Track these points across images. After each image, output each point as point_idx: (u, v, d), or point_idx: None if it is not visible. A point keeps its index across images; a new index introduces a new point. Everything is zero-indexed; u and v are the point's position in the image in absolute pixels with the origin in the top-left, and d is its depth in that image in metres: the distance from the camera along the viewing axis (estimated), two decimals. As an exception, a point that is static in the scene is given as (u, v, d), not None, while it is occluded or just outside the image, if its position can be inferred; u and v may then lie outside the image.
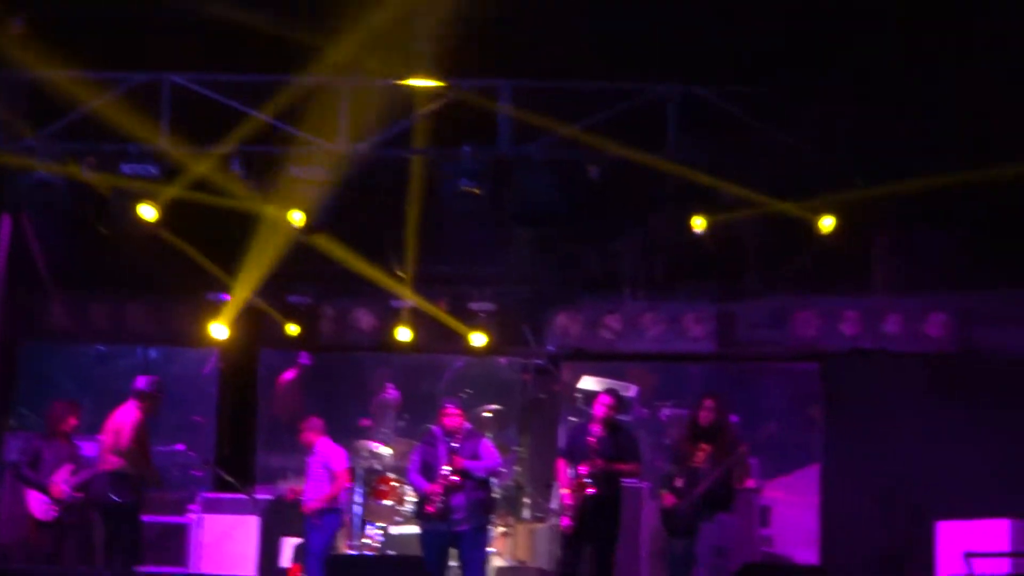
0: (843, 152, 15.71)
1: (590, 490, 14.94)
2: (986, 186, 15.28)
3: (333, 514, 15.99)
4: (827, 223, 15.88)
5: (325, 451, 16.05)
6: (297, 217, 16.07)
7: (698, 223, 16.09)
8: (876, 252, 18.03)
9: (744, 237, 17.65)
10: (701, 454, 15.12)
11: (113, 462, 15.02)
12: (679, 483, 15.22)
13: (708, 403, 15.35)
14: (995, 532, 15.35)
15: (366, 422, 19.86)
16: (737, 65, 15.62)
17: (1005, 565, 14.77)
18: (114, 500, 15.02)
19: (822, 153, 15.76)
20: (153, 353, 20.07)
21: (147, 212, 15.93)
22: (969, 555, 13.96)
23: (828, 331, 18.78)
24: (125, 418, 15.06)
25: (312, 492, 15.94)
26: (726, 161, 15.89)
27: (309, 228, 16.20)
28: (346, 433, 19.22)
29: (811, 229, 16.17)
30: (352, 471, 17.47)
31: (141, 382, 15.32)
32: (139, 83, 15.88)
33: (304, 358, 20.90)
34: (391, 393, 20.00)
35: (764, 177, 16.33)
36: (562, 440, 17.74)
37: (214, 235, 17.78)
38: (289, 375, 21.00)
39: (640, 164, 16.19)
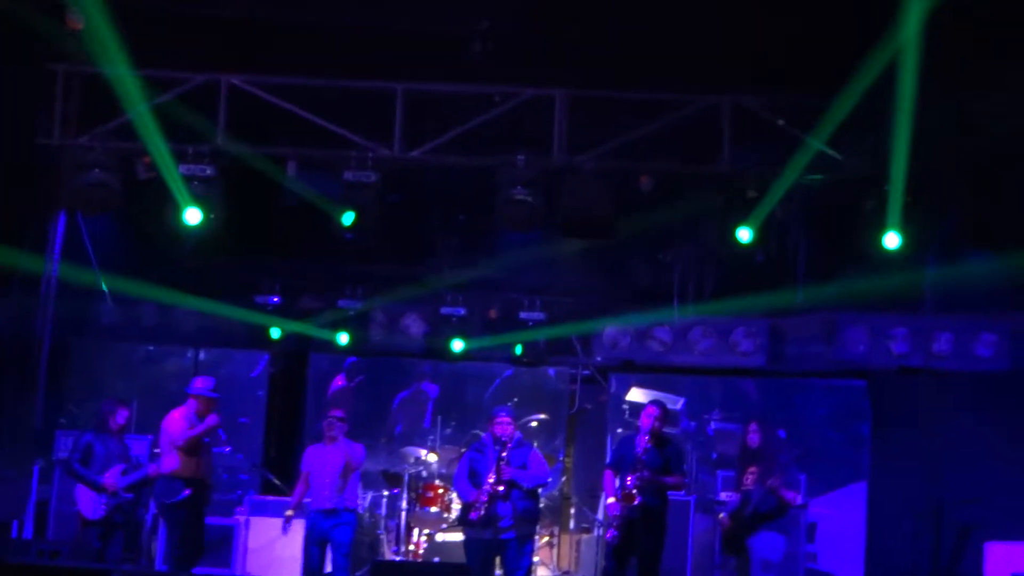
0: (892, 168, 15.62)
1: (636, 501, 14.91)
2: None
3: (350, 513, 15.68)
4: (892, 240, 15.75)
5: (346, 449, 15.69)
6: (348, 221, 16.05)
7: (743, 233, 15.99)
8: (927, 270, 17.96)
9: (794, 250, 17.59)
10: (750, 476, 15.19)
11: (167, 464, 15.00)
12: (733, 504, 15.31)
13: (754, 426, 15.55)
14: (1045, 554, 15.31)
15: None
16: (790, 76, 15.57)
17: (1054, 587, 14.70)
18: (165, 503, 15.03)
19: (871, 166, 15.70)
20: (203, 354, 20.10)
21: (200, 213, 15.94)
22: (1018, 577, 13.90)
23: (877, 348, 18.73)
24: (179, 420, 15.05)
25: (328, 492, 15.47)
26: (778, 174, 15.84)
27: (361, 232, 16.19)
28: (391, 438, 19.28)
29: (861, 243, 16.12)
30: (399, 477, 17.48)
31: (197, 383, 15.29)
32: (197, 84, 15.96)
33: (351, 360, 20.92)
34: (429, 388, 19.91)
35: (815, 188, 16.33)
36: (609, 451, 17.73)
37: (267, 237, 17.85)
38: (340, 382, 21.03)
39: (692, 175, 16.19)
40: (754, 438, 15.45)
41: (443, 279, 18.92)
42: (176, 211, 15.98)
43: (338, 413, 15.71)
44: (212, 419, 15.01)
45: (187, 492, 14.80)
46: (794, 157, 15.69)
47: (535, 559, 16.93)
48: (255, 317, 18.96)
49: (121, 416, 15.75)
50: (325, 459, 15.47)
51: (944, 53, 14.69)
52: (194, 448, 14.88)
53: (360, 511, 16.19)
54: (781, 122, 15.61)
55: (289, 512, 15.60)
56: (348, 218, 16.06)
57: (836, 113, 15.29)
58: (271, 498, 17.76)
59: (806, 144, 15.59)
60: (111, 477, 15.50)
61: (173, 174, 15.81)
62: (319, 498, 15.42)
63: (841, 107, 15.30)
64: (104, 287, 18.07)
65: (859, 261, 16.77)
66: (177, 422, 14.96)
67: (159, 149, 15.70)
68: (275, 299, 18.97)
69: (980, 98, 15.29)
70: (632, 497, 14.92)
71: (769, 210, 15.97)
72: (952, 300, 17.79)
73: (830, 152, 15.65)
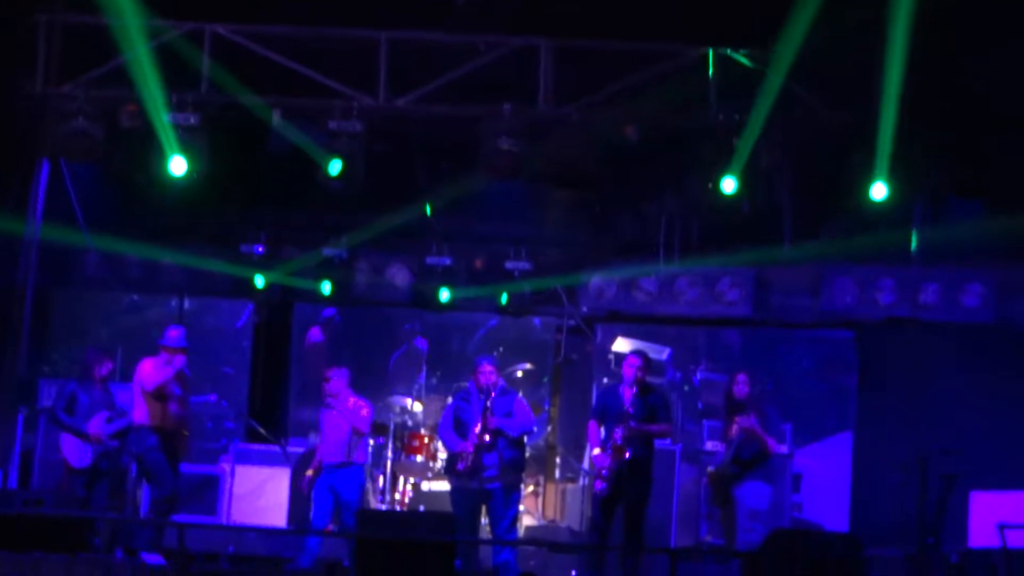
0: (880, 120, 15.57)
1: (627, 455, 14.90)
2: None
3: (359, 467, 15.80)
4: (879, 192, 15.72)
5: (350, 405, 15.79)
6: (336, 171, 15.97)
7: (728, 183, 15.92)
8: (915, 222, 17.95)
9: (781, 202, 17.55)
10: (735, 427, 15.20)
11: (137, 414, 15.04)
12: (720, 455, 15.33)
13: (741, 378, 15.63)
14: (1029, 504, 15.32)
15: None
16: (778, 28, 15.49)
17: (1039, 536, 14.69)
18: (134, 452, 15.09)
19: (859, 118, 15.66)
20: (187, 303, 20.05)
21: (185, 162, 15.86)
22: (1003, 527, 13.85)
23: (864, 299, 18.71)
24: (150, 368, 15.05)
25: (336, 448, 15.75)
26: (765, 125, 15.78)
27: (347, 182, 16.12)
28: (376, 388, 19.26)
29: (850, 195, 16.08)
30: (384, 426, 17.47)
31: (170, 334, 15.28)
32: (181, 33, 15.86)
33: (329, 312, 20.88)
34: (420, 345, 19.88)
35: (802, 141, 16.29)
36: (594, 401, 17.73)
37: (251, 186, 17.78)
38: (315, 336, 20.99)
39: (678, 127, 16.14)
40: (741, 389, 15.49)
41: (428, 229, 18.86)
42: (161, 161, 15.89)
43: (330, 375, 15.84)
44: (178, 361, 15.01)
45: (152, 440, 14.83)
46: (780, 108, 15.65)
47: (520, 508, 16.94)
48: (238, 269, 18.90)
49: (105, 367, 15.75)
50: (332, 420, 15.71)
51: (934, 5, 14.68)
52: (162, 395, 14.91)
53: (366, 464, 16.27)
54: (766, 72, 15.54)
55: (309, 472, 15.74)
56: (335, 167, 15.98)
57: (824, 65, 15.26)
58: (256, 446, 17.76)
59: (792, 95, 15.54)
60: (96, 425, 15.51)
61: (162, 122, 15.73)
62: (328, 454, 15.67)
63: (830, 59, 15.27)
64: (88, 236, 17.98)
65: (846, 212, 16.73)
66: (147, 370, 14.97)
67: (151, 95, 15.61)
68: (260, 248, 18.89)
69: (969, 51, 15.25)
70: (622, 451, 14.92)
71: (754, 161, 15.91)
72: (939, 251, 17.76)
73: (817, 103, 15.60)
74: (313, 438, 17.45)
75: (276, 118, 16.03)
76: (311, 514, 15.63)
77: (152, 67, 15.53)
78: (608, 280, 19.21)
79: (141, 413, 15.01)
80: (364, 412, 15.71)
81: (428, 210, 18.00)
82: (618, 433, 14.95)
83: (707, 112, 15.80)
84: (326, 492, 15.52)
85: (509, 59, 15.96)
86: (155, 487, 15.18)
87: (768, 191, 16.74)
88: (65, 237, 17.67)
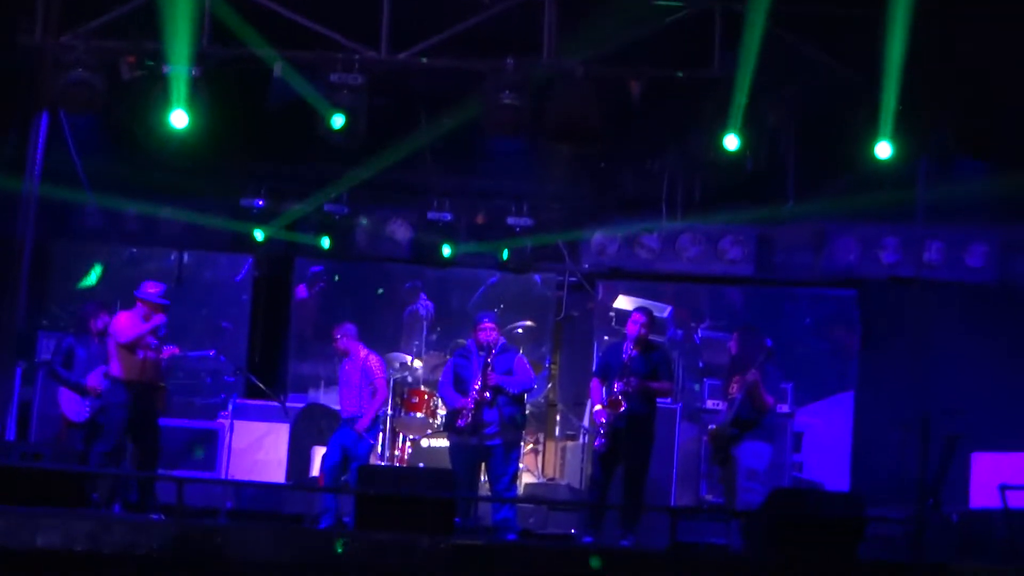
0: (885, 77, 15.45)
1: (623, 408, 14.84)
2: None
3: (377, 426, 15.94)
4: (884, 150, 15.62)
5: (364, 360, 15.86)
6: (339, 124, 15.84)
7: (730, 140, 15.81)
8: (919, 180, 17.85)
9: (785, 159, 17.45)
10: (735, 385, 15.14)
11: (112, 368, 14.98)
12: (723, 415, 15.28)
13: (737, 336, 15.65)
14: (1031, 465, 15.29)
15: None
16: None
17: (1040, 498, 14.66)
18: (107, 404, 15.04)
19: (864, 76, 15.55)
20: (186, 257, 19.96)
21: (187, 116, 15.73)
22: (1004, 487, 13.82)
23: (867, 257, 18.67)
24: (125, 322, 14.97)
25: (349, 402, 15.79)
26: (769, 81, 15.67)
27: (348, 136, 15.99)
28: (377, 344, 19.16)
29: (854, 153, 15.98)
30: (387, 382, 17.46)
31: (148, 288, 15.19)
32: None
33: (315, 269, 20.81)
34: (425, 304, 19.81)
35: (806, 98, 16.19)
36: (595, 359, 17.67)
37: (251, 139, 17.67)
38: (301, 294, 20.90)
39: (682, 82, 16.02)
40: (735, 347, 15.45)
41: (429, 184, 18.77)
42: (162, 113, 15.77)
43: (337, 334, 16.03)
44: (157, 319, 14.97)
45: (122, 396, 14.77)
46: (784, 64, 15.55)
47: (520, 466, 16.91)
48: (238, 224, 18.84)
49: (102, 321, 15.68)
50: (344, 375, 15.94)
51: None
52: (136, 348, 14.81)
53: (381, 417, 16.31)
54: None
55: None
56: (338, 121, 15.84)
57: (829, 20, 15.14)
58: (255, 402, 17.73)
59: (797, 51, 15.43)
60: (94, 379, 15.46)
61: (176, 74, 15.61)
62: (343, 408, 15.91)
63: (834, 13, 15.16)
64: (87, 189, 17.87)
65: (850, 170, 16.63)
66: (123, 323, 14.89)
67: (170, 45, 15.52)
68: (260, 203, 18.81)
69: (976, 7, 15.14)
70: (618, 403, 14.87)
71: (758, 118, 15.81)
72: (943, 210, 17.66)
73: (824, 59, 15.48)
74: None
75: (277, 71, 15.87)
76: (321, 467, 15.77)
77: (148, 21, 15.37)
78: (610, 237, 19.14)
79: (115, 366, 14.96)
80: (373, 364, 15.83)
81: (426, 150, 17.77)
82: (617, 386, 14.89)
83: (711, 68, 15.66)
84: (336, 446, 15.61)
85: (513, 13, 15.82)
86: (100, 441, 15.08)
87: (772, 148, 16.62)
88: (64, 190, 17.57)
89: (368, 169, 17.84)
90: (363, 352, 15.89)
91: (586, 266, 19.48)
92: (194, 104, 15.70)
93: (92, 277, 16.25)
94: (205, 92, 15.76)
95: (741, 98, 15.52)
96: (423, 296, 19.83)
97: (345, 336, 15.91)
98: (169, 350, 15.64)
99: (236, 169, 18.60)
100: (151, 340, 15.03)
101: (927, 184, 17.04)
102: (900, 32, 14.84)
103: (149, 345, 15.01)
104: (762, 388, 14.94)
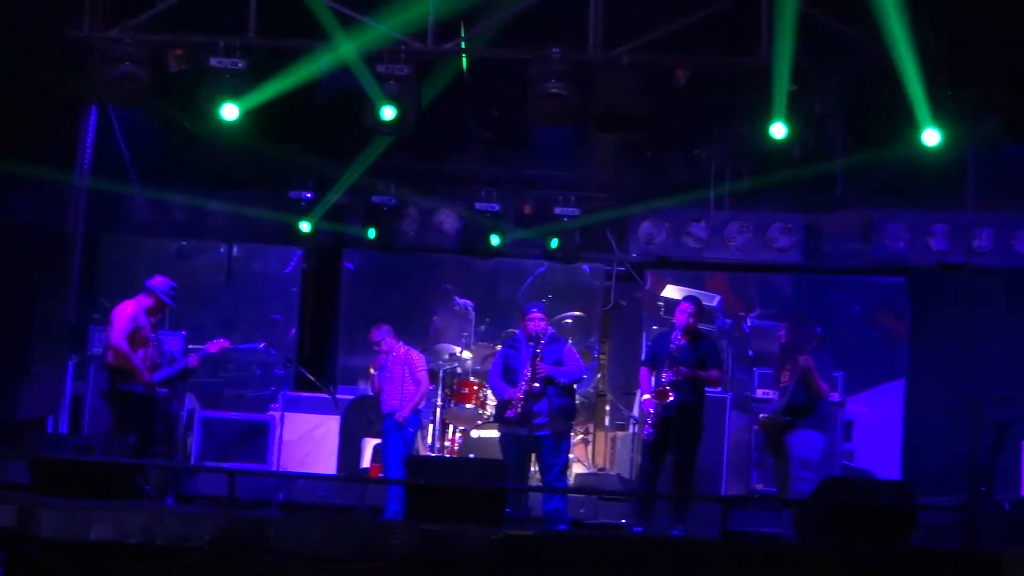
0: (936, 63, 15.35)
1: (670, 399, 14.80)
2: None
3: (416, 416, 15.97)
4: (931, 137, 15.52)
5: (405, 354, 15.94)
6: (386, 116, 15.80)
7: (777, 128, 15.73)
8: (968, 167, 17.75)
9: (833, 146, 17.36)
10: (786, 374, 15.07)
11: (107, 355, 14.98)
12: (774, 404, 15.23)
13: (786, 324, 15.55)
14: (1083, 452, 15.22)
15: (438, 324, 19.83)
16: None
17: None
18: (105, 391, 15.08)
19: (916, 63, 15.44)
20: (236, 250, 20.02)
21: (237, 108, 15.74)
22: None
23: (916, 244, 18.59)
24: (127, 316, 14.94)
25: (392, 395, 15.84)
26: (818, 67, 15.60)
27: (397, 127, 15.96)
28: (423, 335, 19.21)
29: (902, 141, 15.90)
30: (433, 373, 17.43)
31: (156, 280, 15.18)
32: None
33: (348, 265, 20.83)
34: (463, 304, 19.74)
35: (855, 84, 16.11)
36: (644, 348, 17.63)
37: (300, 132, 17.70)
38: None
39: (729, 70, 15.96)
40: (784, 335, 15.39)
41: (477, 175, 18.77)
42: (209, 106, 15.79)
43: (375, 338, 16.12)
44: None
45: (122, 384, 14.78)
46: (833, 52, 15.46)
47: (570, 456, 16.90)
48: (287, 216, 18.92)
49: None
50: (387, 370, 15.98)
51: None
52: (136, 341, 14.83)
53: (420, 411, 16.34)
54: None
55: None
56: (388, 112, 15.76)
57: (875, 5, 15.04)
58: (305, 394, 17.80)
59: (844, 37, 15.34)
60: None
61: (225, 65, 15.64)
62: (384, 403, 15.94)
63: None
64: (136, 182, 17.96)
65: (898, 158, 16.55)
66: (123, 316, 14.87)
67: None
68: (308, 195, 18.88)
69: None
70: (666, 394, 14.82)
71: (805, 105, 15.73)
72: (993, 196, 17.58)
73: (872, 46, 15.39)
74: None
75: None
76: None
77: (193, 13, 15.40)
78: (658, 225, 19.11)
79: (108, 355, 14.91)
80: (415, 357, 15.93)
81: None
82: (666, 376, 14.85)
83: (758, 55, 15.59)
84: (394, 438, 15.77)
85: (559, 1, 15.78)
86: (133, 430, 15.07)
87: (819, 135, 16.54)
88: (113, 184, 17.64)
89: (415, 161, 17.85)
90: (402, 349, 15.93)
91: (634, 255, 19.47)
92: (242, 96, 15.72)
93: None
94: (253, 85, 15.78)
95: (785, 84, 15.42)
96: (456, 299, 19.71)
97: (385, 337, 15.97)
98: (219, 343, 15.70)
99: (284, 161, 18.62)
100: (150, 334, 15.01)
101: (976, 170, 16.98)
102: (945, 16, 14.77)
103: (148, 339, 15.00)
104: (816, 373, 14.85)
